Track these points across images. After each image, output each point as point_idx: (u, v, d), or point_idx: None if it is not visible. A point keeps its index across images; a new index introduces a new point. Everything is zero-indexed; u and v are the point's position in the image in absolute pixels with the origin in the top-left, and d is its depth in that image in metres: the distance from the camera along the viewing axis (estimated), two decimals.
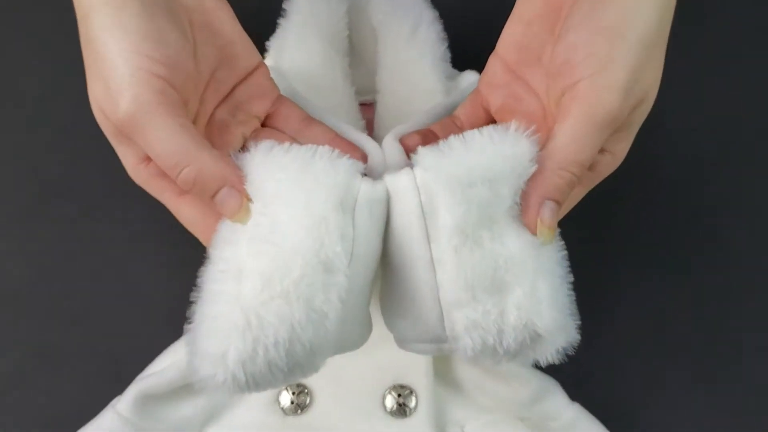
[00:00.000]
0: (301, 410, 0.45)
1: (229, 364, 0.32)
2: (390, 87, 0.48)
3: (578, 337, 0.35)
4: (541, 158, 0.34)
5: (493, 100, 0.40)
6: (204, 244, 0.36)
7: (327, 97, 0.47)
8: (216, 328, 0.32)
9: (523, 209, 0.35)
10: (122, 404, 0.45)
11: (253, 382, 0.32)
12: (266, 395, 0.45)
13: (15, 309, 0.51)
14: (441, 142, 0.35)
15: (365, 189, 0.34)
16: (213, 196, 0.34)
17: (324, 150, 0.35)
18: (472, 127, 0.37)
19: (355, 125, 0.47)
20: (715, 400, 0.50)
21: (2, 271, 0.51)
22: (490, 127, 0.36)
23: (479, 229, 0.34)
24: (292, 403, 0.45)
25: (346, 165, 0.34)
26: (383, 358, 0.46)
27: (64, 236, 0.52)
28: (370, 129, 0.51)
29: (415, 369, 0.45)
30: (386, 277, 0.38)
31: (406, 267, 0.35)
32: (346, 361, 0.45)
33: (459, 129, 0.40)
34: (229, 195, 0.34)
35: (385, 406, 0.45)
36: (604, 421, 0.46)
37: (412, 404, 0.45)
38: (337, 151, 0.35)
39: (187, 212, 0.37)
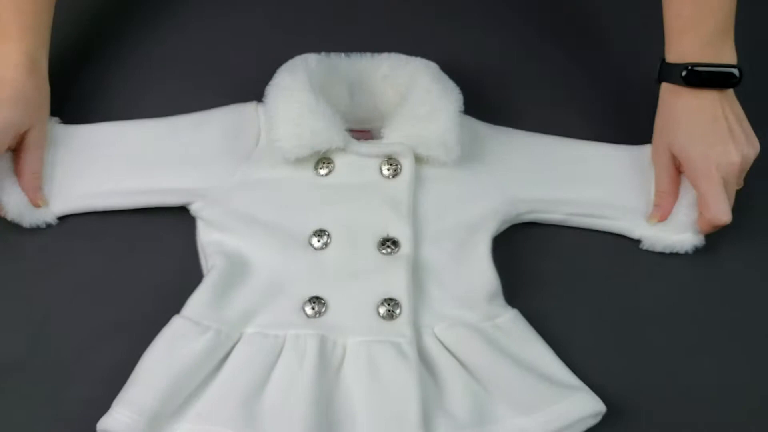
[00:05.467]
0: (320, 315, 0.63)
1: None
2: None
3: None
4: None
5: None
6: None
7: (311, 112, 0.68)
8: None
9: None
10: (186, 311, 0.63)
11: None
12: (293, 303, 0.64)
13: None
14: None
15: None
16: None
17: None
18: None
19: (335, 127, 0.68)
20: None
21: None
22: None
23: None
24: (312, 309, 0.63)
25: None
26: (377, 281, 0.65)
27: None
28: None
29: (400, 287, 0.64)
30: None
31: None
32: (352, 284, 0.64)
33: None
34: None
35: (379, 312, 0.63)
36: None
37: (398, 311, 0.63)
38: None
39: None
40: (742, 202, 0.72)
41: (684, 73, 0.69)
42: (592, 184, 0.73)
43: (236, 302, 0.64)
